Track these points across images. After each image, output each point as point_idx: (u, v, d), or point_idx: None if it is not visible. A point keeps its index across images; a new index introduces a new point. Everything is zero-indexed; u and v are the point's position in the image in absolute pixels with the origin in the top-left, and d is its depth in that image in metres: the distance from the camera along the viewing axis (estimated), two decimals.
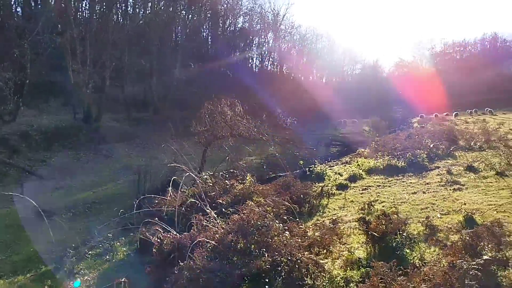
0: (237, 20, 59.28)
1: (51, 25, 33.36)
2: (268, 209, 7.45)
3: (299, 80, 71.45)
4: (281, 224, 6.23)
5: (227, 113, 15.54)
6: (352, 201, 12.15)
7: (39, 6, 37.80)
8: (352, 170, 16.72)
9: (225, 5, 54.69)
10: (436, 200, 11.18)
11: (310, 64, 79.16)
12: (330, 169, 19.20)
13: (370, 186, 14.19)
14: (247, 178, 10.84)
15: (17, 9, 41.66)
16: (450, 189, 12.40)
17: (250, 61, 61.00)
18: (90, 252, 8.70)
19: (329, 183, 14.79)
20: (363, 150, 25.90)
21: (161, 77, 39.18)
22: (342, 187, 14.22)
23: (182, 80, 40.74)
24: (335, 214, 10.67)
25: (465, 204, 10.22)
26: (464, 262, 5.29)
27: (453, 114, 56.57)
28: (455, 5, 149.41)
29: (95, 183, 23.94)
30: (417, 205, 10.94)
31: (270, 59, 69.41)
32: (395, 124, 50.29)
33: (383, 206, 10.96)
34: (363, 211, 10.53)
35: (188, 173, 11.52)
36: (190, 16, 47.47)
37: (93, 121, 32.02)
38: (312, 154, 28.51)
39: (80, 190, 22.55)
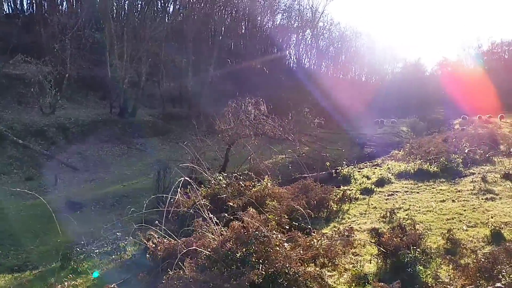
0: (275, 17, 58.70)
1: (92, 21, 34.13)
2: (270, 216, 7.05)
3: (337, 78, 70.19)
4: (279, 234, 5.82)
5: (251, 112, 15.24)
6: (375, 207, 11.56)
7: (82, 3, 38.73)
8: (381, 174, 16.07)
9: (263, 2, 54.19)
10: (465, 210, 10.46)
11: (349, 62, 77.59)
12: (358, 171, 18.61)
13: (397, 191, 13.52)
14: (265, 180, 10.45)
15: (62, 5, 42.99)
16: (482, 199, 11.61)
17: (287, 58, 60.21)
18: (97, 251, 8.63)
19: (354, 187, 14.27)
20: (397, 152, 25.06)
21: (196, 74, 39.28)
22: (367, 191, 13.61)
23: (217, 77, 40.73)
24: (354, 221, 10.16)
25: (493, 217, 9.52)
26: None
27: (498, 116, 54.03)
28: (503, 2, 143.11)
29: (126, 177, 24.27)
30: (443, 214, 10.26)
31: (308, 57, 68.33)
32: (436, 125, 48.65)
33: (406, 215, 10.35)
34: (384, 219, 10.01)
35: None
36: (226, 12, 47.22)
37: (128, 115, 32.48)
38: (342, 155, 27.93)
39: (111, 183, 22.91)
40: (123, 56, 31.81)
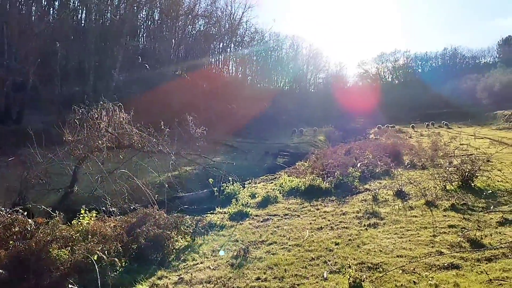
0: (195, 22, 55.69)
1: None
2: None
3: (257, 86, 68.42)
4: None
5: (113, 120, 12.32)
6: (236, 240, 9.05)
7: None
8: (267, 192, 13.71)
9: (184, 5, 51.12)
10: (338, 244, 8.24)
11: (271, 71, 76.12)
12: (250, 187, 16.25)
13: (276, 215, 11.19)
14: (81, 211, 7.62)
15: None
16: (364, 225, 9.52)
17: (206, 65, 57.24)
18: None
19: (228, 210, 11.75)
20: (302, 163, 23.04)
21: (101, 77, 35.30)
22: (240, 215, 11.16)
23: (123, 82, 36.91)
24: (195, 265, 7.51)
25: (367, 253, 7.36)
26: None
27: (410, 126, 54.88)
28: (418, 18, 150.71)
29: None
30: (310, 251, 7.96)
31: (229, 64, 65.73)
32: (352, 135, 48.04)
33: (267, 252, 7.96)
34: (235, 260, 7.52)
35: None
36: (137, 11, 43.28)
37: (12, 123, 27.91)
38: (250, 167, 25.69)
39: None
40: (4, 54, 27.17)
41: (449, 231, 8.45)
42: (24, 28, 28.81)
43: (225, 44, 61.02)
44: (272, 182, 17.61)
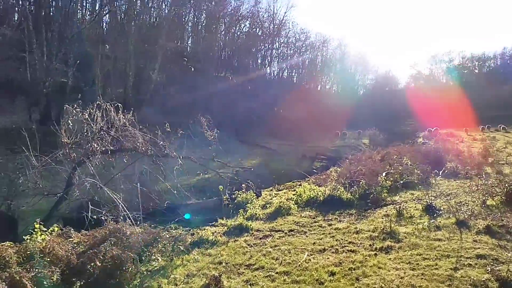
0: (238, 24, 54.79)
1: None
2: None
3: (303, 87, 66.36)
4: None
5: (113, 121, 11.41)
6: (220, 262, 7.68)
7: None
8: (280, 202, 12.25)
9: (226, 7, 50.48)
10: (335, 274, 6.73)
11: (319, 71, 73.68)
12: (268, 195, 14.89)
13: (280, 230, 9.76)
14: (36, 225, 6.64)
15: None
16: (375, 248, 7.92)
17: (251, 67, 56.16)
18: None
19: (231, 222, 10.43)
20: (336, 169, 21.25)
21: (139, 79, 35.17)
22: (239, 230, 9.81)
23: (163, 84, 36.59)
24: None
25: None
26: None
27: (464, 129, 50.88)
28: (475, 18, 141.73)
29: None
30: (296, 282, 6.51)
31: (272, 65, 64.09)
32: (400, 138, 45.13)
33: (245, 281, 6.61)
34: None
35: None
36: (174, 14, 42.91)
37: (51, 123, 28.01)
38: (288, 170, 24.33)
39: None
40: (43, 56, 27.34)
41: (476, 264, 6.67)
42: (64, 29, 29.01)
43: (269, 44, 59.66)
44: (294, 190, 16.12)
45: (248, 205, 12.03)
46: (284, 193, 15.62)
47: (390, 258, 7.30)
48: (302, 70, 68.79)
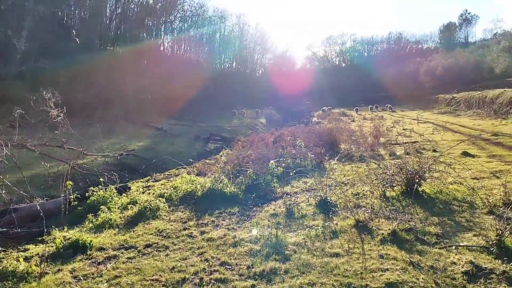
0: None
1: None
2: None
3: (201, 64, 63.02)
4: None
5: None
6: None
7: None
8: (147, 200, 9.44)
9: None
10: None
11: (217, 48, 70.52)
12: (139, 190, 12.03)
13: (134, 246, 7.03)
14: None
15: None
16: (254, 273, 5.63)
17: (146, 40, 51.29)
18: None
19: (60, 236, 7.42)
20: (228, 152, 18.93)
21: (4, 48, 29.06)
22: (74, 249, 6.86)
23: (33, 54, 30.76)
24: None
25: None
26: None
27: (354, 109, 52.24)
28: (365, 2, 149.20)
29: None
30: None
31: (170, 39, 59.57)
32: (296, 118, 44.58)
33: None
34: None
35: None
36: None
37: None
38: (178, 154, 21.41)
39: None
40: None
41: None
42: None
43: (164, 17, 54.91)
44: (175, 178, 13.44)
45: (103, 206, 9.04)
46: (162, 184, 12.86)
47: None
48: (200, 46, 65.06)
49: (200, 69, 57.39)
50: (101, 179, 10.41)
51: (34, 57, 30.10)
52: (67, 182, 9.43)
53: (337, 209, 8.30)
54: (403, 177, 9.19)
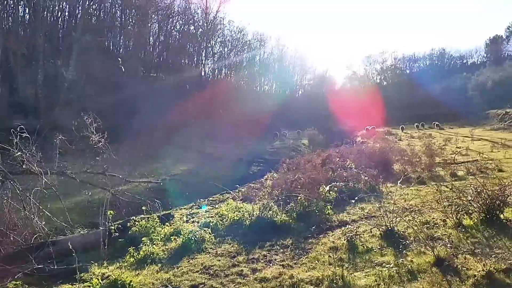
0: (171, 21, 50.32)
1: None
2: None
3: (242, 87, 62.96)
4: None
5: None
6: None
7: None
8: (191, 231, 8.62)
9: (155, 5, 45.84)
10: None
11: (257, 71, 70.42)
12: (182, 218, 11.25)
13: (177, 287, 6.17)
14: None
15: None
16: None
17: (183, 65, 51.75)
18: None
19: (99, 273, 6.70)
20: (273, 175, 17.97)
21: (48, 76, 29.79)
22: None
23: (81, 83, 31.40)
24: None
25: None
26: None
27: (400, 127, 50.05)
28: (406, 19, 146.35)
29: None
30: None
31: (207, 64, 59.80)
32: (338, 138, 43.06)
33: None
34: None
35: None
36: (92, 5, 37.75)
37: None
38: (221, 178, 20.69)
39: None
40: None
41: None
42: None
43: (205, 42, 55.48)
44: (219, 205, 12.62)
45: (145, 238, 8.29)
46: (206, 211, 12.06)
47: None
48: (240, 70, 65.22)
49: (240, 93, 57.31)
50: (144, 208, 9.71)
51: (81, 86, 30.77)
52: (108, 211, 8.79)
53: (407, 241, 7.11)
54: (481, 203, 7.88)
